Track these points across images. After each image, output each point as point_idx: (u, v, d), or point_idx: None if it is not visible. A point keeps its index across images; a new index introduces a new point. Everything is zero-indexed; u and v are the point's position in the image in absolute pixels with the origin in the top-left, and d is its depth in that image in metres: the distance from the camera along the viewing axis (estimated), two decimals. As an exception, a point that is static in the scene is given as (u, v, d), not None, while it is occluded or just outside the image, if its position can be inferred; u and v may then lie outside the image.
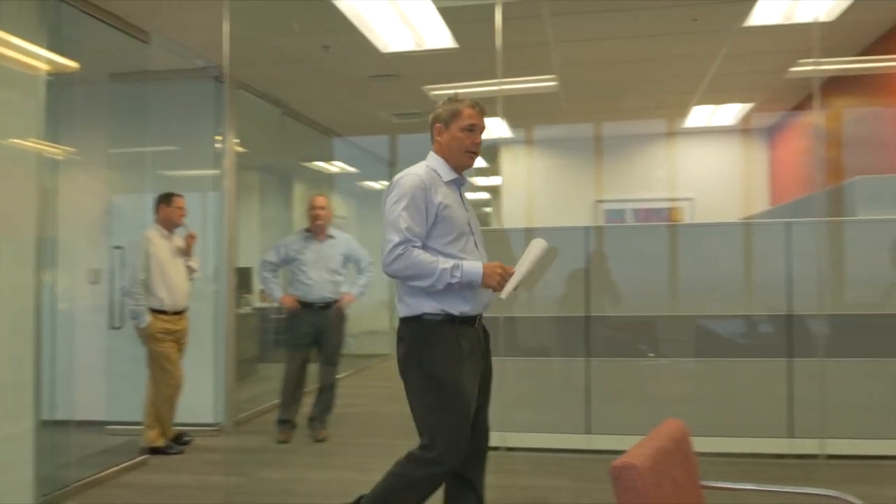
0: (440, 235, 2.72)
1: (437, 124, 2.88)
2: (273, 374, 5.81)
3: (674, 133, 8.58)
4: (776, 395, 4.63)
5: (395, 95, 7.01)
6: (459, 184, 2.89)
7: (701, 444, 2.64)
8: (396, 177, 2.78)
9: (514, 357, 4.88)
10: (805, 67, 5.98)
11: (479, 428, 2.89)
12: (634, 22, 5.21)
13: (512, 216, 8.84)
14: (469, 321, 2.79)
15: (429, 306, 2.72)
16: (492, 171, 9.60)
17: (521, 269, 2.78)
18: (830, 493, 2.39)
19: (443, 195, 2.74)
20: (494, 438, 4.72)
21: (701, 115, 7.88)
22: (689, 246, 4.88)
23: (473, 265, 2.69)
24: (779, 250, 4.69)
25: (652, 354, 4.89)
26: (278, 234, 6.74)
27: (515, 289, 2.74)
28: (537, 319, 4.96)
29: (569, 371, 4.85)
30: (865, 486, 3.92)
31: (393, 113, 7.68)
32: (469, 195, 3.04)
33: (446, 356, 2.71)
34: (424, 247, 2.70)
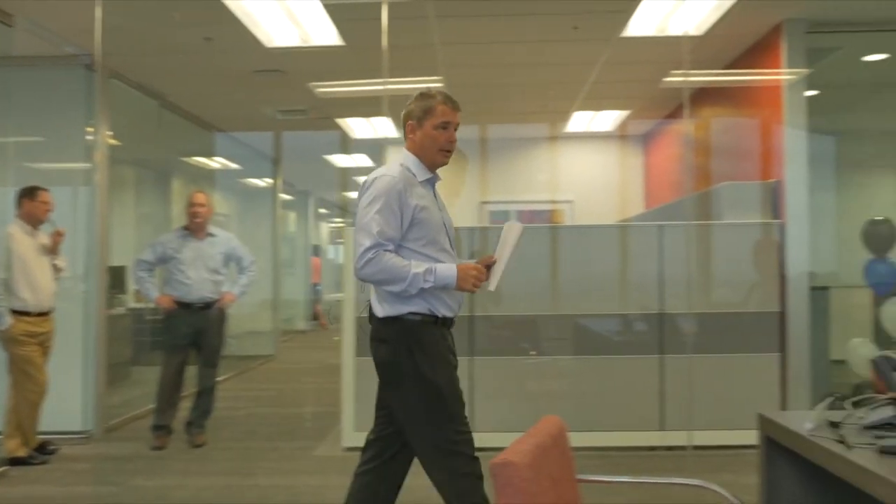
0: (416, 238, 2.64)
1: (410, 122, 2.78)
2: (148, 377, 5.57)
3: (556, 137, 8.83)
4: (649, 390, 4.85)
5: (280, 91, 6.87)
6: (433, 182, 2.81)
7: (578, 440, 2.73)
8: (370, 177, 2.68)
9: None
10: (676, 78, 6.29)
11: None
12: (519, 27, 5.33)
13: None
14: (450, 323, 2.74)
15: (415, 305, 2.62)
16: (378, 170, 9.57)
17: (504, 256, 2.73)
18: (696, 483, 2.53)
19: (418, 196, 2.65)
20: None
21: (581, 121, 8.15)
22: (570, 247, 5.03)
23: (447, 268, 2.61)
24: (652, 252, 4.91)
25: (533, 353, 5.01)
26: (155, 232, 6.47)
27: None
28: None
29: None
30: (728, 474, 4.17)
31: (277, 109, 7.52)
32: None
33: (438, 362, 2.64)
34: (400, 248, 2.62)
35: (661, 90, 6.76)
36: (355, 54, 5.71)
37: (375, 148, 9.19)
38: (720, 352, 4.84)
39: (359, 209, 2.65)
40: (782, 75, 5.17)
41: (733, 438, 4.53)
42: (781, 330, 4.91)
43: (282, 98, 7.14)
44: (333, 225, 15.91)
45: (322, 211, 14.88)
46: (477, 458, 2.62)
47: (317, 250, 14.22)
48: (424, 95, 2.77)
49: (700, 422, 4.71)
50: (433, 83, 6.52)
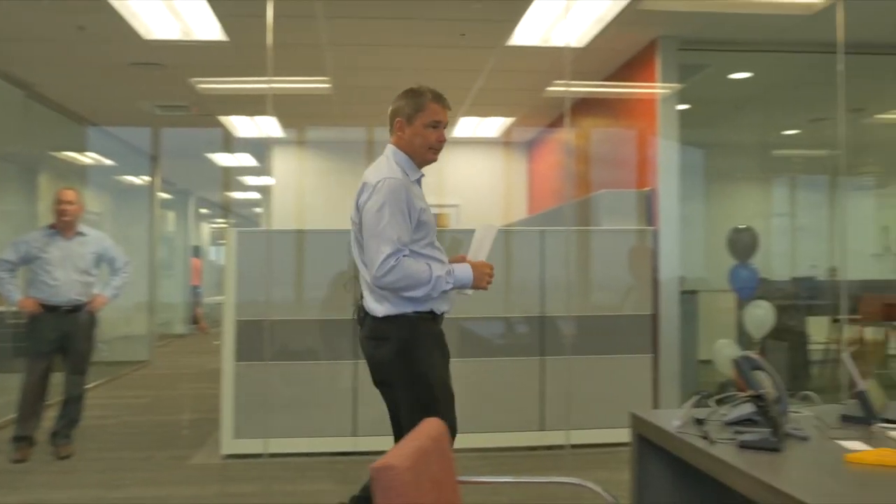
0: (418, 239, 2.65)
1: (399, 118, 2.74)
2: (9, 385, 5.21)
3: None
4: (530, 391, 4.97)
5: (159, 86, 6.59)
6: (421, 180, 2.79)
7: (461, 441, 2.76)
8: (372, 180, 2.63)
9: (279, 361, 4.78)
10: (558, 88, 6.48)
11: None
12: (408, 32, 5.34)
13: (283, 217, 8.68)
14: (441, 319, 2.78)
15: (417, 304, 2.65)
16: (263, 170, 9.37)
17: (481, 257, 2.78)
18: (573, 481, 2.61)
19: (417, 197, 2.66)
20: (256, 445, 4.65)
21: (468, 126, 8.26)
22: (454, 251, 5.07)
23: (463, 268, 2.67)
24: (534, 256, 5.03)
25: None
26: (20, 230, 6.07)
27: None
28: (305, 322, 4.90)
29: (336, 374, 4.85)
30: (604, 471, 4.31)
31: (156, 104, 7.21)
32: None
33: (438, 357, 2.71)
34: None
35: (544, 99, 6.95)
36: (239, 51, 5.56)
37: (260, 147, 9.00)
38: (597, 353, 5.02)
39: (365, 213, 2.62)
40: (656, 89, 5.43)
41: (609, 437, 4.69)
42: (654, 332, 5.14)
43: (161, 93, 6.85)
44: (215, 225, 15.42)
45: (203, 211, 14.38)
46: None
47: (197, 251, 13.74)
48: (415, 92, 2.75)
49: (578, 421, 4.86)
50: (320, 84, 6.45)
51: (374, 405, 4.82)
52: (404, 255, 2.56)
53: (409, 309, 2.65)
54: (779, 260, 7.32)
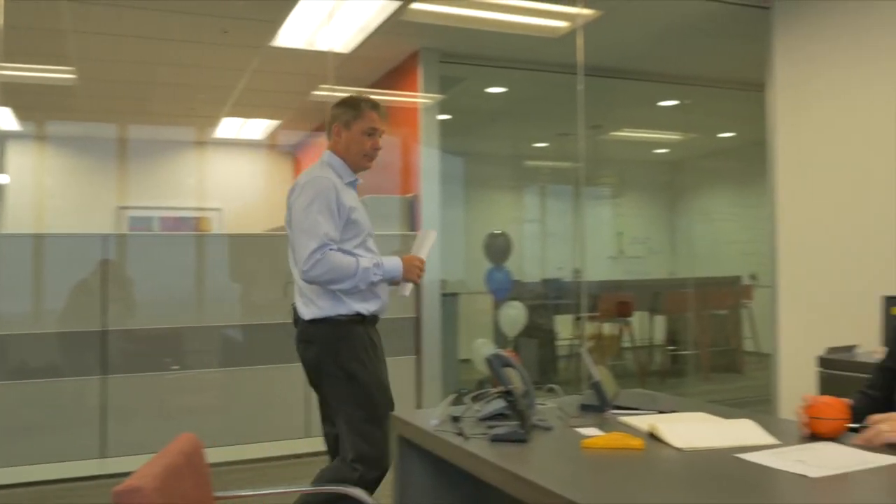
0: (349, 238, 2.69)
1: (337, 124, 2.80)
2: None
3: (204, 142, 8.53)
4: (294, 398, 4.89)
5: None
6: (356, 185, 2.83)
7: (224, 454, 2.66)
8: (302, 179, 2.69)
9: (14, 381, 4.29)
10: (323, 93, 6.47)
11: None
12: (165, 24, 5.04)
13: (19, 220, 7.80)
14: (375, 321, 2.79)
15: (343, 307, 2.67)
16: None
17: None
18: (336, 487, 2.61)
19: (348, 198, 2.70)
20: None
21: (231, 127, 7.98)
22: (217, 256, 4.89)
23: (393, 261, 2.71)
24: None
25: (176, 367, 4.76)
26: None
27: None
28: (42, 336, 4.44)
29: (81, 391, 4.44)
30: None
31: None
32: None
33: (369, 358, 2.71)
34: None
35: (310, 103, 6.90)
36: (-38, 31, 4.93)
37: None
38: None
39: (294, 211, 2.67)
40: (419, 98, 5.61)
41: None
42: (417, 334, 5.29)
43: None
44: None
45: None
46: (385, 469, 2.69)
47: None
48: (354, 99, 2.84)
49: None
50: (62, 73, 5.90)
51: (127, 423, 4.51)
52: (331, 250, 2.60)
53: (335, 312, 2.68)
54: (530, 263, 7.88)
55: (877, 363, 2.12)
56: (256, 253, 5.00)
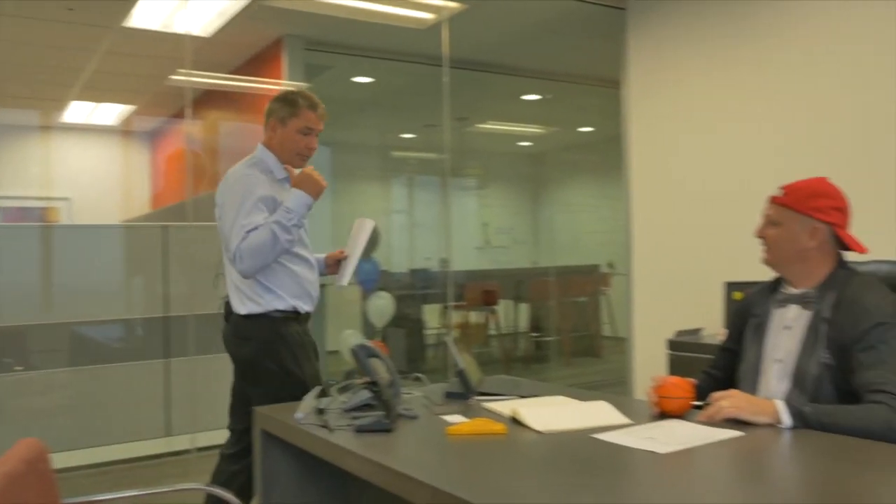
0: None
1: (272, 119, 2.72)
2: None
3: (49, 127, 7.97)
4: (154, 396, 4.69)
5: None
6: (288, 181, 2.72)
7: (76, 458, 2.50)
8: (230, 175, 2.65)
9: None
10: (180, 77, 6.20)
11: None
12: (-1, -2, 4.68)
13: None
14: (307, 319, 2.76)
15: (280, 302, 2.64)
16: None
17: (356, 252, 2.77)
18: (197, 486, 2.53)
19: (276, 191, 2.62)
20: None
21: (80, 112, 7.51)
22: (66, 248, 4.61)
23: (293, 195, 2.57)
24: (156, 254, 4.76)
25: (20, 368, 4.46)
26: None
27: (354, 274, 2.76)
28: None
29: None
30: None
31: None
32: None
33: (305, 356, 2.68)
34: None
35: (167, 87, 6.59)
36: None
37: None
38: (221, 352, 4.91)
39: (223, 207, 2.62)
40: (282, 86, 5.48)
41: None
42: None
43: None
44: None
45: None
46: None
47: None
48: (292, 96, 2.75)
49: (205, 423, 4.71)
50: None
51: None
52: (245, 238, 2.52)
53: (271, 307, 2.65)
54: (398, 253, 7.91)
55: (719, 345, 2.28)
56: (108, 245, 4.75)
